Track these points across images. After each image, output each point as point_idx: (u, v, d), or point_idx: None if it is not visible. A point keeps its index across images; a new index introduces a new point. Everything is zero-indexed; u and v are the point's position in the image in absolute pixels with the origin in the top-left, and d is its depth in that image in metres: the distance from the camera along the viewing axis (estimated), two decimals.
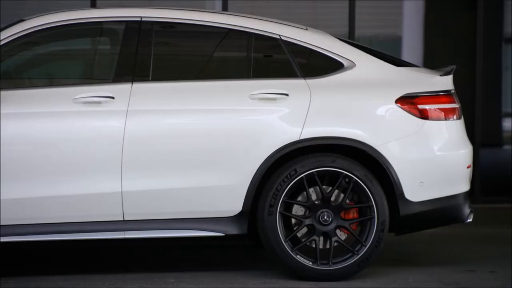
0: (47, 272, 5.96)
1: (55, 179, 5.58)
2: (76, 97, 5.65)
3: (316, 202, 5.76)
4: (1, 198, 5.56)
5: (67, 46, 6.49)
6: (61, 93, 5.69)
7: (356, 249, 5.74)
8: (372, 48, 6.14)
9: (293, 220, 5.79)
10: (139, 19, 5.86)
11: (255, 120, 5.70)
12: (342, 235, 5.78)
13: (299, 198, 5.79)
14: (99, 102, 5.67)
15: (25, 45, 5.94)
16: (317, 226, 5.75)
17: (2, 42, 5.72)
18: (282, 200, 5.70)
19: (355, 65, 5.88)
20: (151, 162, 5.64)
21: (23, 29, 5.77)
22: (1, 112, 5.59)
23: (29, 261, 6.40)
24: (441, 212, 5.85)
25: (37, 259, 6.47)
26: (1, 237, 5.56)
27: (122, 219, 5.66)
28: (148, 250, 6.76)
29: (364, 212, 5.78)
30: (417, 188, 5.76)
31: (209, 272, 6.03)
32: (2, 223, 5.56)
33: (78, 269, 6.13)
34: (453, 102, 5.91)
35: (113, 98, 5.68)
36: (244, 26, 5.91)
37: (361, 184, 5.72)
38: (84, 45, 6.77)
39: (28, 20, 5.82)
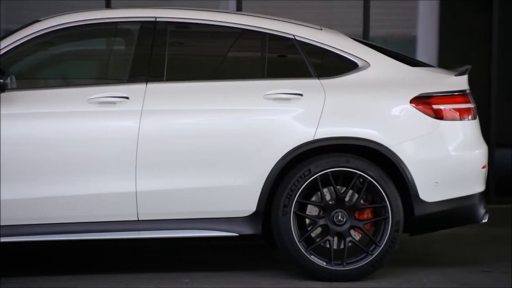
0: (62, 272, 5.98)
1: (69, 179, 5.59)
2: (91, 97, 5.66)
3: (330, 202, 5.75)
4: (14, 197, 5.57)
5: (82, 46, 6.51)
6: (76, 93, 5.70)
7: (370, 249, 5.72)
8: (387, 48, 6.13)
9: (307, 220, 5.78)
10: (153, 19, 5.87)
11: (269, 120, 5.70)
12: (356, 236, 5.77)
13: (313, 198, 5.78)
14: (113, 102, 5.68)
15: (41, 46, 5.96)
16: (331, 226, 5.74)
17: (18, 43, 5.75)
18: (296, 200, 5.70)
19: (369, 65, 5.87)
20: (165, 162, 5.65)
21: (39, 29, 5.79)
22: (17, 112, 5.61)
23: (40, 261, 6.42)
24: (456, 212, 5.83)
25: (50, 260, 6.49)
26: (15, 237, 5.58)
27: (136, 219, 5.66)
28: (162, 250, 6.77)
29: (379, 212, 5.76)
30: (432, 188, 5.74)
31: (223, 272, 6.03)
32: (15, 223, 5.58)
33: (92, 269, 6.14)
34: (468, 102, 5.88)
35: (127, 98, 5.69)
36: (258, 26, 5.91)
37: (375, 184, 5.70)
38: (99, 45, 6.79)
39: (44, 21, 5.84)
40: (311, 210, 5.78)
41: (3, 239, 5.57)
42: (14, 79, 5.82)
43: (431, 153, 5.75)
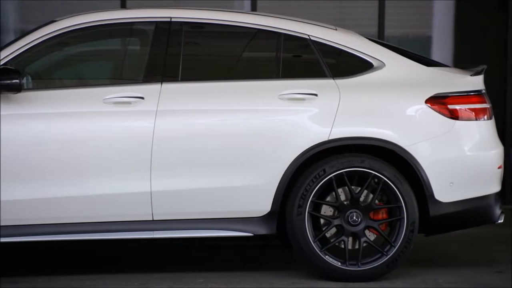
0: (76, 272, 5.99)
1: (84, 178, 5.61)
2: (107, 97, 5.67)
3: (345, 203, 5.74)
4: (28, 197, 5.59)
5: (98, 46, 6.53)
6: (92, 93, 5.72)
7: (385, 249, 5.71)
8: (402, 48, 6.12)
9: (322, 221, 5.78)
10: (168, 19, 5.88)
11: (284, 120, 5.69)
12: (371, 236, 5.75)
13: (328, 199, 5.77)
14: (129, 102, 5.69)
15: (57, 46, 5.98)
16: (346, 226, 5.73)
17: (34, 43, 5.77)
18: (311, 200, 5.69)
19: (384, 65, 5.86)
20: (180, 162, 5.65)
21: (55, 29, 5.81)
22: (33, 112, 5.63)
23: (54, 261, 6.44)
24: (471, 212, 5.81)
25: (64, 260, 6.50)
26: (29, 237, 5.60)
27: (151, 219, 5.67)
28: (176, 250, 6.78)
29: (394, 212, 5.75)
30: (447, 188, 5.72)
31: (237, 272, 6.03)
32: (29, 223, 5.60)
33: (106, 269, 6.15)
34: (484, 102, 5.86)
35: (142, 98, 5.70)
36: (273, 26, 5.91)
37: (390, 185, 5.69)
38: (115, 45, 6.81)
39: (60, 21, 5.86)
40: (326, 210, 5.78)
41: (19, 239, 5.59)
42: (30, 79, 5.84)
43: (447, 153, 5.73)
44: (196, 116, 5.71)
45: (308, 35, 5.91)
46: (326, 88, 5.76)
